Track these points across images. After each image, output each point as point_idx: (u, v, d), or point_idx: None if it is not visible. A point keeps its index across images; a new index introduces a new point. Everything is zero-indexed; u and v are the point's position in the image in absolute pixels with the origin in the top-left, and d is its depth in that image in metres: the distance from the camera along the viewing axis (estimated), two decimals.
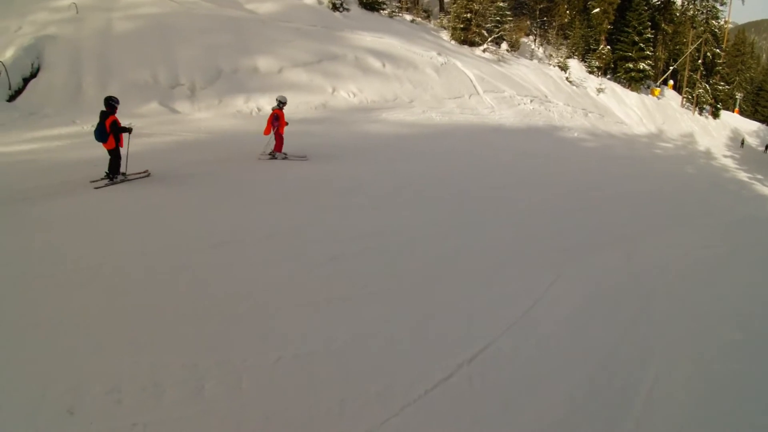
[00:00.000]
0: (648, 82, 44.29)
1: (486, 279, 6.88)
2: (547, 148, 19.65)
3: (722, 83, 53.47)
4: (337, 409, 3.96)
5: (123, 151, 8.90)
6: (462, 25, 30.88)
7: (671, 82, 49.49)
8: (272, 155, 11.71)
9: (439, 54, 24.86)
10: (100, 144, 8.75)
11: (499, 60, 30.79)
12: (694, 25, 49.54)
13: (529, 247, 8.41)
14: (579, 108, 30.58)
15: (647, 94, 43.27)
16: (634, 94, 40.89)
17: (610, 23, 41.35)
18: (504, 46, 33.01)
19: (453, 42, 30.69)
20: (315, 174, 10.80)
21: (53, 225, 6.85)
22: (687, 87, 48.27)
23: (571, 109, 29.54)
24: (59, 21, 16.03)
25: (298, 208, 8.55)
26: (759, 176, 28.15)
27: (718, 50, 51.19)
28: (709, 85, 49.55)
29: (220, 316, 4.96)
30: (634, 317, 6.61)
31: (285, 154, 11.87)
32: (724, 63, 55.25)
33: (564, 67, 35.71)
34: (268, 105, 15.94)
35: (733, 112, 57.49)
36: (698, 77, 47.99)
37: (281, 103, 11.77)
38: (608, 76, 41.59)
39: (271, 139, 11.68)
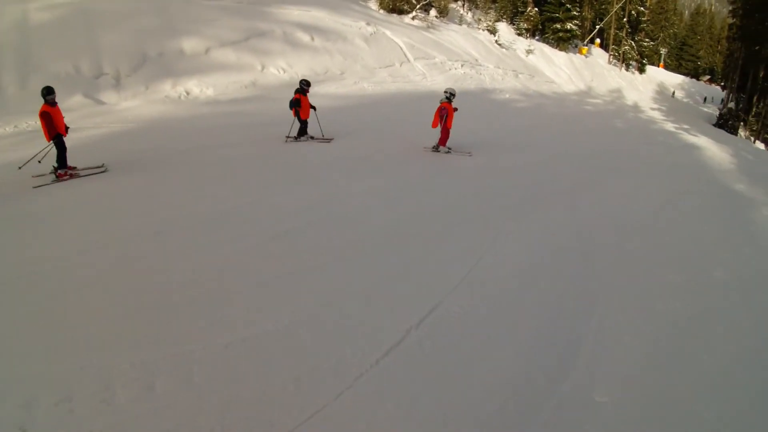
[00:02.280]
0: (575, 41, 46.00)
1: (433, 242, 7.05)
2: (480, 111, 20.19)
3: (647, 40, 56.00)
4: (293, 387, 4.01)
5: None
6: None
7: (598, 40, 51.52)
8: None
9: (368, 24, 25.19)
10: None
11: (429, 27, 31.40)
12: None
13: (471, 208, 8.68)
14: (509, 70, 31.69)
15: (575, 53, 44.99)
16: (563, 53, 42.45)
17: None
18: (433, 12, 33.62)
19: (381, 11, 31.01)
20: (253, 153, 10.88)
21: None
22: (613, 45, 50.39)
23: (501, 71, 30.58)
24: None
25: (241, 189, 8.59)
26: (685, 126, 29.64)
27: (642, 8, 53.40)
28: (635, 42, 51.78)
29: (166, 306, 4.94)
30: (577, 267, 6.82)
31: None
32: (648, 20, 57.87)
33: (493, 31, 36.69)
34: (196, 88, 15.90)
35: (658, 66, 60.42)
36: (624, 35, 50.36)
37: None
38: (537, 38, 43.03)
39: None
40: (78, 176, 8.92)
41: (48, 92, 8.65)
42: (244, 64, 18.25)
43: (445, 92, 12.04)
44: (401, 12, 31.27)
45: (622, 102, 38.06)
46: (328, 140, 12.41)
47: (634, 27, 52.42)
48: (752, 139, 38.68)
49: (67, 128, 9.00)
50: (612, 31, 50.38)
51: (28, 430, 3.52)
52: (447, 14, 35.72)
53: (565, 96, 32.94)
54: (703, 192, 12.13)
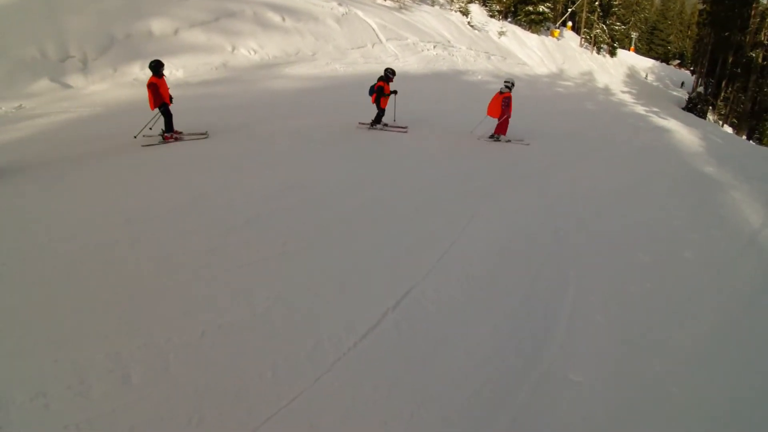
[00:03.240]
0: (548, 24, 46.48)
1: (405, 225, 7.14)
2: (453, 92, 20.51)
3: (618, 23, 56.71)
4: (270, 374, 4.03)
5: None
6: None
7: (570, 23, 52.12)
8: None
9: (339, 4, 25.10)
10: None
11: (401, 7, 31.45)
12: None
13: (443, 190, 8.78)
14: (482, 51, 31.96)
15: (547, 35, 45.49)
16: (535, 36, 42.89)
17: None
18: None
19: None
20: (221, 137, 10.82)
21: None
22: (585, 28, 51.01)
23: (474, 53, 30.83)
24: None
25: (209, 175, 8.53)
26: (655, 109, 30.20)
27: None
28: (606, 25, 52.44)
29: (139, 296, 4.91)
30: (549, 250, 6.96)
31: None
32: (620, 4, 58.56)
33: (465, 12, 36.88)
34: (165, 70, 15.32)
35: (629, 50, 61.36)
36: (596, 18, 50.96)
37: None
38: (509, 20, 43.42)
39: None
40: (182, 140, 10.33)
41: (157, 65, 10.05)
42: (214, 45, 18.08)
43: (506, 83, 12.58)
44: None
45: (593, 85, 38.68)
46: (404, 129, 12.65)
47: (606, 11, 53.05)
48: (720, 123, 39.91)
49: (171, 98, 10.31)
50: (584, 15, 50.96)
51: (3, 428, 3.45)
52: None
53: (537, 78, 33.33)
54: (672, 174, 12.35)
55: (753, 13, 37.25)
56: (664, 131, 19.85)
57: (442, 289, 5.56)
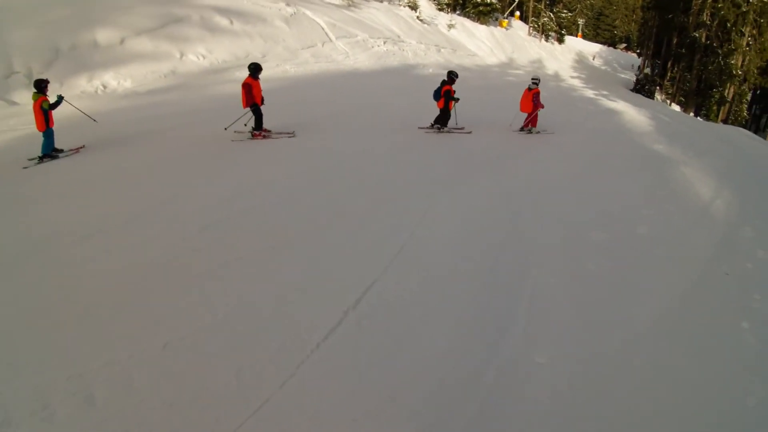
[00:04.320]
0: (496, 14, 47.50)
1: (364, 220, 7.18)
2: (405, 87, 20.74)
3: (565, 11, 58.14)
4: (235, 381, 4.01)
5: None
6: None
7: (518, 13, 53.37)
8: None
9: (287, 5, 25.24)
10: None
11: (350, 5, 31.74)
12: None
13: (400, 183, 8.90)
14: (432, 45, 32.54)
15: (496, 26, 46.49)
16: (484, 27, 43.73)
17: None
18: None
19: None
20: (175, 144, 10.89)
21: None
22: (533, 17, 52.15)
23: (424, 46, 31.36)
24: None
25: (163, 184, 8.50)
26: (604, 92, 31.06)
27: None
28: (553, 13, 53.77)
29: (96, 314, 4.81)
30: (508, 235, 7.03)
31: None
32: None
33: (414, 7, 37.33)
34: (113, 80, 15.59)
35: (576, 36, 62.80)
36: (542, 7, 52.40)
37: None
38: (458, 12, 44.18)
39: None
40: (270, 137, 11.50)
41: (256, 68, 11.41)
42: (162, 52, 18.02)
43: (533, 80, 13.79)
44: None
45: (543, 72, 39.49)
46: (467, 131, 13.13)
47: None
48: (668, 102, 41.50)
49: (263, 99, 11.48)
50: (531, 4, 52.17)
51: None
52: None
53: (487, 68, 34.06)
54: (623, 154, 12.70)
55: None
56: (614, 113, 20.35)
57: (402, 283, 5.58)
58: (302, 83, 18.59)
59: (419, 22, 36.00)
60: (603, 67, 53.08)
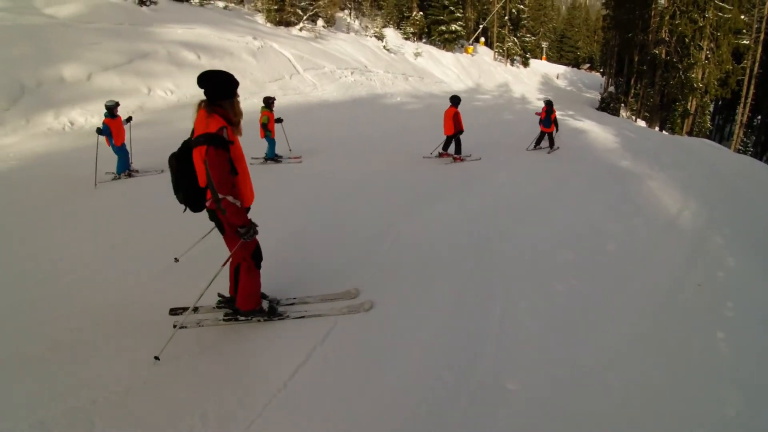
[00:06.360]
0: (461, 41, 49.07)
1: (327, 248, 7.00)
2: (372, 116, 21.23)
3: (529, 35, 60.31)
4: (200, 425, 3.83)
5: None
6: (276, 6, 31.94)
7: (483, 39, 55.15)
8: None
9: (254, 38, 25.73)
10: None
11: (317, 37, 32.53)
12: None
13: (367, 210, 8.75)
14: (399, 74, 33.37)
15: (462, 52, 48.02)
16: (450, 54, 45.13)
17: None
18: (320, 23, 34.79)
19: (269, 24, 31.72)
20: (146, 181, 10.77)
21: None
22: (497, 42, 53.97)
23: (391, 75, 32.18)
24: None
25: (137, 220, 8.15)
26: (570, 112, 31.94)
27: (521, 6, 57.26)
28: (517, 38, 55.69)
29: (55, 358, 4.54)
30: (474, 260, 6.85)
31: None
32: (528, 17, 62.45)
33: (380, 37, 38.41)
34: (80, 117, 15.46)
35: (541, 59, 64.87)
36: (506, 32, 54.22)
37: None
38: (424, 40, 45.55)
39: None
40: (465, 161, 13.14)
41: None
42: (130, 88, 18.03)
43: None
44: (288, 24, 32.16)
45: (509, 95, 40.71)
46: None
47: (516, 24, 56.20)
48: (634, 118, 42.87)
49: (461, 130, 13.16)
50: (495, 30, 53.93)
51: None
52: (334, 23, 37.04)
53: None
54: (589, 172, 12.72)
55: (653, 13, 40.36)
56: (579, 132, 20.67)
57: (368, 313, 5.39)
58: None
59: (386, 51, 37.04)
60: (568, 88, 54.89)
